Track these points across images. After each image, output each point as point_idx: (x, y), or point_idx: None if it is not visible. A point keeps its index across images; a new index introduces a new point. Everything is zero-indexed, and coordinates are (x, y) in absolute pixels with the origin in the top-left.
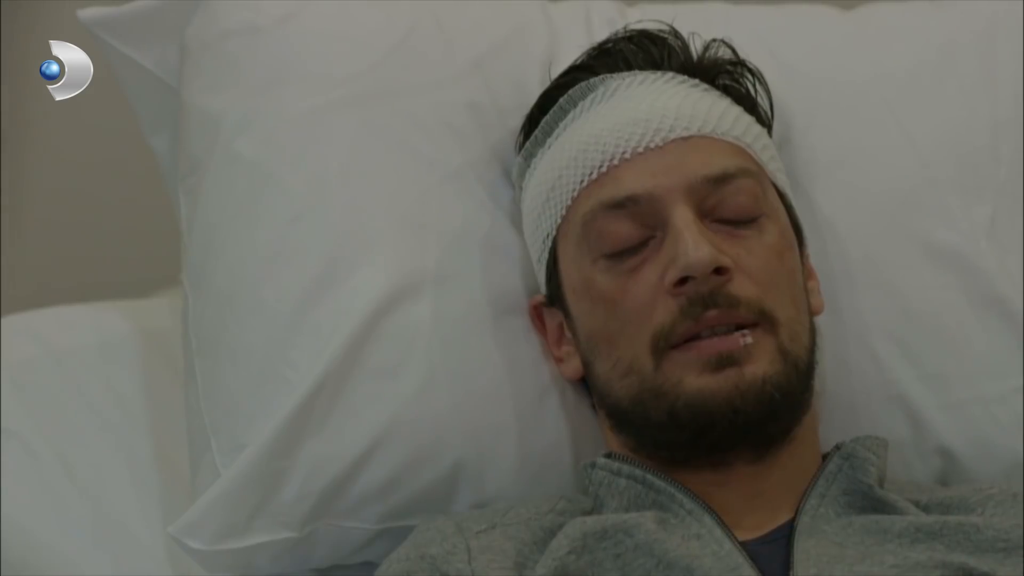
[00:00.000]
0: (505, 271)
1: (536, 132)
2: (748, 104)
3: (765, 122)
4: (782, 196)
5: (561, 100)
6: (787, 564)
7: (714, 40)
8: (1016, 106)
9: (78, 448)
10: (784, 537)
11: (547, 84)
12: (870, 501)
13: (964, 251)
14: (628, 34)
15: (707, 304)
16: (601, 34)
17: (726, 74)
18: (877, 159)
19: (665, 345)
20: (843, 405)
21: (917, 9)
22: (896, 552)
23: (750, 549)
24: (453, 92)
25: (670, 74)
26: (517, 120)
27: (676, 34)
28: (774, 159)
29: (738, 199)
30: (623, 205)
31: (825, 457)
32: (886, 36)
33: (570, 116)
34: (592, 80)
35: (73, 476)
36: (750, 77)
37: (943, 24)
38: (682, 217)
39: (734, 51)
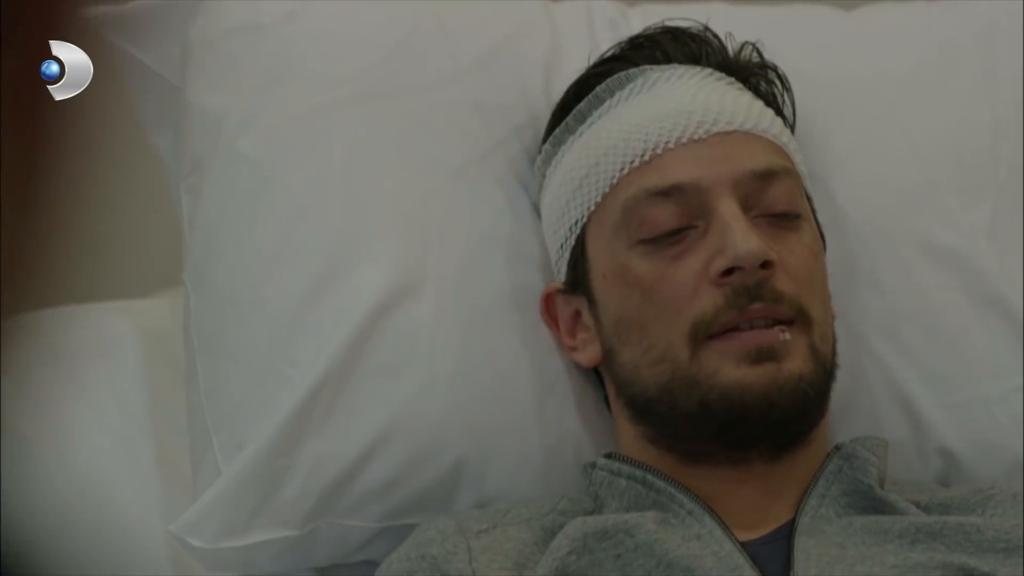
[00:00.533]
0: (509, 269)
1: (568, 119)
2: (776, 107)
3: (789, 127)
4: (808, 200)
5: (598, 88)
6: (787, 564)
7: (746, 43)
8: (1016, 106)
9: (78, 448)
10: (784, 537)
11: (551, 82)
12: (870, 501)
13: (964, 251)
14: (665, 28)
15: (752, 296)
16: (603, 34)
17: (756, 76)
18: (877, 159)
19: (704, 334)
20: (843, 405)
21: (917, 9)
22: (897, 552)
23: (750, 549)
24: (455, 91)
25: (708, 70)
26: (521, 118)
27: (712, 33)
28: (802, 163)
29: (780, 196)
30: (668, 193)
31: (826, 458)
32: (886, 36)
33: (606, 105)
34: (631, 70)
35: (73, 476)
36: (778, 83)
37: (943, 24)
38: (729, 209)
39: (761, 55)
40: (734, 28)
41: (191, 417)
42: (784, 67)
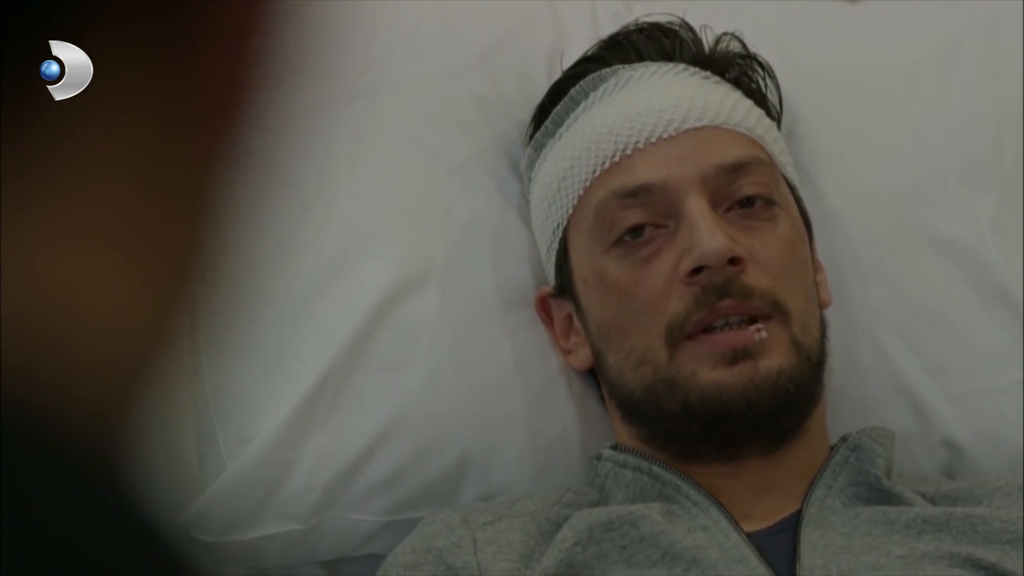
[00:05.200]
0: (512, 263)
1: (546, 122)
2: (758, 97)
3: (774, 116)
4: (792, 189)
5: (572, 90)
6: (793, 555)
7: (725, 34)
8: (1020, 100)
9: None
10: (790, 528)
11: (554, 77)
12: (877, 492)
13: (969, 244)
14: (640, 26)
15: (721, 294)
16: (607, 28)
17: (736, 67)
18: (882, 153)
19: (679, 335)
20: (849, 397)
21: (922, 3)
22: (903, 543)
23: (756, 540)
24: (459, 85)
25: (682, 66)
26: (523, 113)
27: (688, 27)
28: (784, 152)
29: (751, 189)
30: (636, 194)
31: (832, 449)
32: (891, 30)
33: (581, 107)
34: (604, 71)
35: None
36: (760, 71)
37: (948, 18)
38: (697, 207)
39: (744, 45)
40: (739, 22)
41: (196, 411)
42: (789, 61)
